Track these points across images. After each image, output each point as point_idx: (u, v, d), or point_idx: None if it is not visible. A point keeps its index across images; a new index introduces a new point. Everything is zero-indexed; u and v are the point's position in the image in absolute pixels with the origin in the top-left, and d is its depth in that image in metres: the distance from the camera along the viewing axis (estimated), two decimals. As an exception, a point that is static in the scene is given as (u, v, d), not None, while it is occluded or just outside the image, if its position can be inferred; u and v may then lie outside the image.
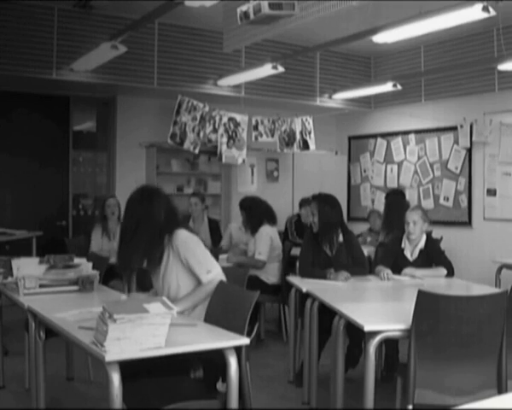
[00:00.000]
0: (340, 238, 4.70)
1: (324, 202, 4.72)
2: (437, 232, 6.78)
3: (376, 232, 6.72)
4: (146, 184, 3.52)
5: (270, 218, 5.81)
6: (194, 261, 3.26)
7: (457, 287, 4.34)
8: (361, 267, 4.65)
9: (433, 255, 4.62)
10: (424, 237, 4.63)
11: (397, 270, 4.50)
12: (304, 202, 6.93)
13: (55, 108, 7.72)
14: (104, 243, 6.05)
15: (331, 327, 3.51)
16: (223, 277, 3.30)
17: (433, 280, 4.34)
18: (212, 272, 3.26)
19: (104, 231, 6.08)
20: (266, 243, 5.61)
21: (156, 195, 3.36)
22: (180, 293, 3.30)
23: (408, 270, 4.48)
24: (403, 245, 4.63)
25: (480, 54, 6.95)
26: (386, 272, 4.41)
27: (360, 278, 4.50)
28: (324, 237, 4.67)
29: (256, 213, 5.76)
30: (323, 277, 4.43)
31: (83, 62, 6.13)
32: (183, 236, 3.31)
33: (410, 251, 4.62)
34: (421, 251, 4.60)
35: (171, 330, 2.46)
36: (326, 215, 4.65)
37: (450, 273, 4.56)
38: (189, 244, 3.30)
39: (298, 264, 4.94)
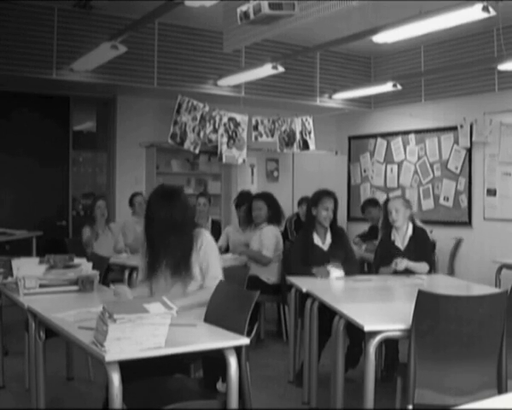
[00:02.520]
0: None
1: (336, 198, 4.90)
2: (437, 232, 6.79)
3: (373, 225, 6.72)
4: (165, 184, 3.60)
5: (278, 219, 5.88)
6: (210, 262, 3.33)
7: (457, 287, 4.35)
8: (353, 265, 4.78)
9: (420, 247, 4.68)
10: (411, 225, 4.72)
11: (390, 262, 4.57)
12: (303, 201, 6.93)
13: (55, 108, 7.72)
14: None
15: (331, 327, 3.51)
16: None
17: (434, 280, 4.36)
18: (218, 279, 3.30)
19: (93, 233, 6.14)
20: (273, 241, 5.69)
21: (178, 195, 3.39)
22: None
23: (398, 260, 4.52)
24: (393, 237, 4.73)
25: (480, 54, 6.94)
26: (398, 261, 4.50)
27: (360, 278, 4.53)
28: (337, 229, 4.87)
29: (274, 209, 5.91)
30: (309, 273, 4.54)
31: (83, 62, 6.13)
32: (209, 236, 3.43)
33: (401, 241, 4.70)
34: (410, 238, 4.69)
35: (171, 330, 2.45)
36: (337, 210, 4.88)
37: (431, 271, 4.68)
38: (212, 245, 3.41)
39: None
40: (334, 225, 4.87)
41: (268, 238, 5.69)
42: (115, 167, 7.91)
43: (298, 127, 7.83)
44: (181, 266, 3.30)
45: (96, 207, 6.22)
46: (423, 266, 4.60)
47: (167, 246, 3.27)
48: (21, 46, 6.17)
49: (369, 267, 6.08)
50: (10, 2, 6.04)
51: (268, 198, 6.02)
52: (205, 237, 3.38)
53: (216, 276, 3.31)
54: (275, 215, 5.90)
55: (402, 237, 4.70)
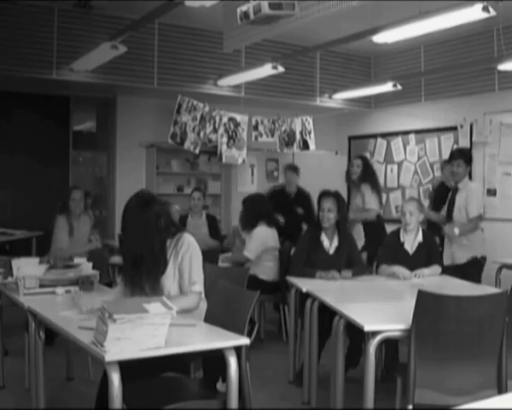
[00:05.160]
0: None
1: (341, 199, 4.80)
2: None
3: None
4: (140, 192, 3.38)
5: (269, 219, 5.82)
6: (186, 265, 3.13)
7: (457, 287, 4.34)
8: (359, 266, 4.70)
9: (430, 251, 4.67)
10: (421, 230, 4.68)
11: (395, 262, 4.54)
12: None
13: (55, 108, 7.72)
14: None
15: (331, 327, 3.51)
16: (201, 297, 3.19)
17: (434, 280, 4.37)
18: (196, 284, 3.13)
19: (67, 225, 5.74)
20: (256, 242, 5.63)
21: (152, 202, 3.20)
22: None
23: (418, 272, 4.50)
24: (402, 239, 4.67)
25: (480, 54, 6.94)
26: (403, 272, 4.44)
27: (360, 278, 4.53)
28: (344, 232, 4.75)
29: (253, 212, 5.78)
30: (313, 275, 4.50)
31: (83, 62, 6.12)
32: (190, 239, 3.22)
33: (410, 245, 4.66)
34: (419, 244, 4.65)
35: (171, 330, 2.45)
36: (344, 212, 4.85)
37: (442, 272, 4.67)
38: (193, 250, 3.19)
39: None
40: (341, 228, 4.74)
41: (251, 239, 5.65)
42: (115, 167, 7.91)
43: (298, 127, 7.82)
44: (156, 276, 3.13)
45: (71, 200, 5.72)
46: (435, 270, 4.60)
47: (140, 255, 3.09)
48: (21, 46, 6.17)
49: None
50: (10, 2, 6.04)
51: (245, 199, 6.02)
52: (187, 240, 3.18)
53: (194, 281, 3.12)
54: (263, 216, 5.81)
55: (412, 240, 4.65)
